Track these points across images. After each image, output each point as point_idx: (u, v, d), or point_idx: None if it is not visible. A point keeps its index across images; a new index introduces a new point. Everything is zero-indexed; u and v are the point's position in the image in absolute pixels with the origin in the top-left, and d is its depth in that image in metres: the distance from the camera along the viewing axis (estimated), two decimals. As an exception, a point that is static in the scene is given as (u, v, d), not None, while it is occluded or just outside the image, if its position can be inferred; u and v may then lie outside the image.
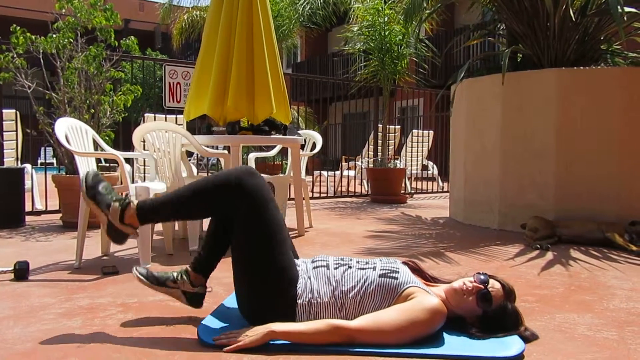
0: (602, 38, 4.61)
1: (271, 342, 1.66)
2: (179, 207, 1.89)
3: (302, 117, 11.60)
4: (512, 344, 1.70)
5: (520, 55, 4.93)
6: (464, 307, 1.79)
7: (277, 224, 1.84)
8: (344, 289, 1.78)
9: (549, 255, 3.39)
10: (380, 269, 1.83)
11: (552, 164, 4.21)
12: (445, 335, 1.77)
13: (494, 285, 1.80)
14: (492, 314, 1.77)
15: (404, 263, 1.95)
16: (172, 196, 1.89)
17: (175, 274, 1.98)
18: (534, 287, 2.58)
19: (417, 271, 1.96)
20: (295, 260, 1.97)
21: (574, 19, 4.23)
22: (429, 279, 1.98)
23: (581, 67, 4.31)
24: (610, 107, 4.11)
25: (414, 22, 6.11)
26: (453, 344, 1.71)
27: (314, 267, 1.88)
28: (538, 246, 3.58)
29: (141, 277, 1.94)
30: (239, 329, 1.74)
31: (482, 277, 1.80)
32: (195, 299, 1.99)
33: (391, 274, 1.80)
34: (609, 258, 3.33)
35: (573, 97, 4.18)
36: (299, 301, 1.78)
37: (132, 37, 4.56)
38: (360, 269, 1.85)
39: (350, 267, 1.86)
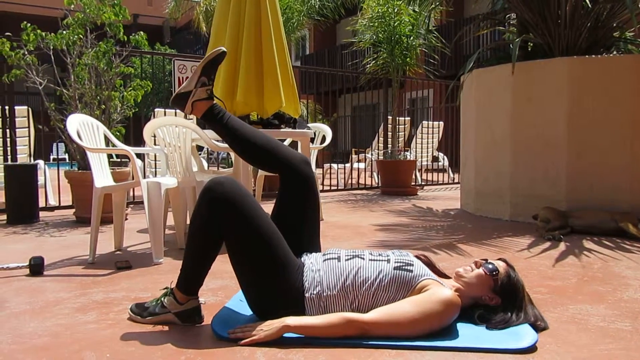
0: (614, 25, 4.55)
1: (285, 336, 1.67)
2: (198, 268, 1.84)
3: (310, 114, 11.58)
4: (525, 335, 1.70)
5: (531, 45, 4.87)
6: (476, 282, 1.83)
7: (261, 221, 1.78)
8: (357, 282, 1.77)
9: (562, 246, 3.37)
10: (395, 262, 1.82)
11: (563, 154, 4.17)
12: (458, 327, 1.77)
13: (492, 262, 1.89)
14: (504, 279, 1.82)
15: (416, 257, 1.95)
16: (187, 262, 1.85)
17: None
18: (547, 278, 2.56)
19: (429, 265, 1.96)
20: (307, 253, 1.97)
21: (589, 5, 4.16)
22: (440, 273, 1.98)
23: (593, 56, 4.25)
24: (623, 95, 4.06)
25: (423, 12, 6.07)
26: (466, 335, 1.71)
27: (324, 260, 1.86)
28: (550, 237, 3.56)
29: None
30: (253, 322, 1.75)
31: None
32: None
33: (406, 267, 1.79)
34: (622, 248, 3.30)
35: (585, 86, 4.13)
36: (307, 295, 1.77)
37: (141, 32, 4.58)
38: (374, 261, 1.84)
39: (362, 259, 1.84)
